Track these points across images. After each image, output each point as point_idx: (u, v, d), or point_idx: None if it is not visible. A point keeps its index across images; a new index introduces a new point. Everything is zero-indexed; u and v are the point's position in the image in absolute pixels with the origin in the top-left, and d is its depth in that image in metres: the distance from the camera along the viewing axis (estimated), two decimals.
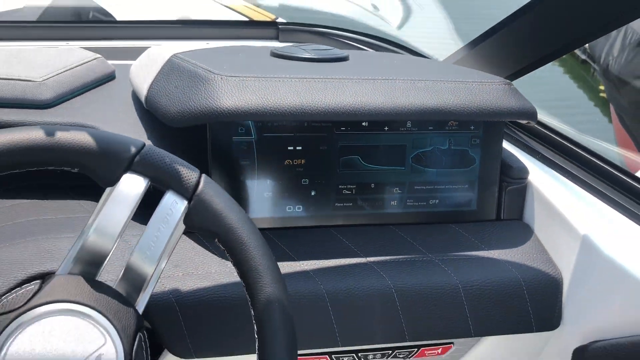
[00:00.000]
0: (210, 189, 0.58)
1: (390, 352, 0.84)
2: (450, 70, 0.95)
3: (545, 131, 1.00)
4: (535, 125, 1.00)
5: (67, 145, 0.54)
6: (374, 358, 0.85)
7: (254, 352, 0.56)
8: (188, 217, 0.57)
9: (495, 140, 0.88)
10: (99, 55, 1.01)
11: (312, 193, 0.84)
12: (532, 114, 0.83)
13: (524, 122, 0.87)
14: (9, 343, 0.50)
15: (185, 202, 0.57)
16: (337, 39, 1.45)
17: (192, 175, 0.58)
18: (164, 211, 0.57)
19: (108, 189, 0.57)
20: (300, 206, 0.84)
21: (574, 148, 0.94)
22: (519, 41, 0.95)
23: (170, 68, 0.82)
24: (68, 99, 0.90)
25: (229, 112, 0.72)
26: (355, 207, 0.86)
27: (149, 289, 0.57)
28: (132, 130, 0.83)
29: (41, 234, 0.73)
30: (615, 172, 0.87)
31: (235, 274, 0.58)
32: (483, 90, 0.81)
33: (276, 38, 1.49)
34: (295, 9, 2.57)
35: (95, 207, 0.57)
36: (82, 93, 0.93)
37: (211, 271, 0.74)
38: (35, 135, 0.54)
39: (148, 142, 0.61)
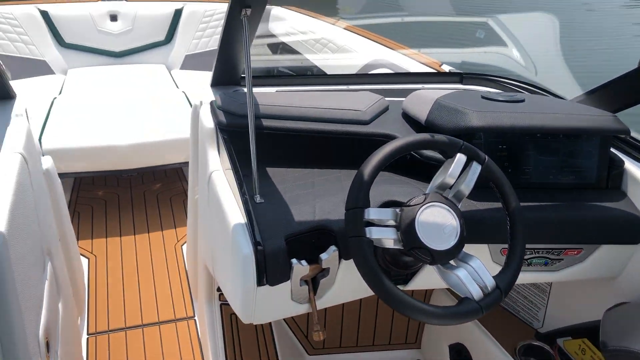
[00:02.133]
0: (490, 162, 1.24)
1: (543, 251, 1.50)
2: (579, 107, 1.56)
3: (634, 141, 1.65)
4: (629, 138, 1.63)
5: (436, 140, 1.21)
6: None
7: None
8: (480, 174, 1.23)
9: (606, 145, 1.53)
10: (381, 97, 1.72)
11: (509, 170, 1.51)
12: (626, 131, 1.48)
13: (622, 135, 1.54)
14: (420, 211, 1.14)
15: (480, 166, 1.23)
16: (503, 83, 2.19)
17: (483, 155, 1.23)
18: (473, 170, 1.22)
19: (448, 160, 1.23)
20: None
21: None
22: (617, 92, 1.62)
23: (439, 105, 1.52)
24: (375, 120, 1.60)
25: (479, 128, 1.42)
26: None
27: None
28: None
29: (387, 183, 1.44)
30: None
31: None
32: (599, 119, 1.49)
33: (460, 82, 2.28)
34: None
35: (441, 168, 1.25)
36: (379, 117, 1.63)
37: None
38: (422, 137, 1.20)
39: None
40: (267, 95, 1.66)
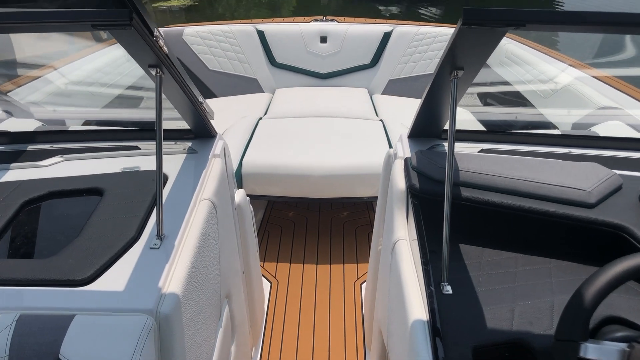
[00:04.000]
0: None
1: None
2: None
3: None
4: None
5: None
6: None
7: None
8: None
9: None
10: (613, 172, 1.41)
11: None
12: None
13: None
14: None
15: None
16: None
17: None
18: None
19: None
20: None
21: None
22: None
23: None
24: (602, 203, 1.31)
25: None
26: None
27: None
28: None
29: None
30: None
31: None
32: None
33: None
34: None
35: None
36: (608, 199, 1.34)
37: None
38: None
39: None
40: (469, 157, 1.45)
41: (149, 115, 2.98)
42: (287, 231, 3.14)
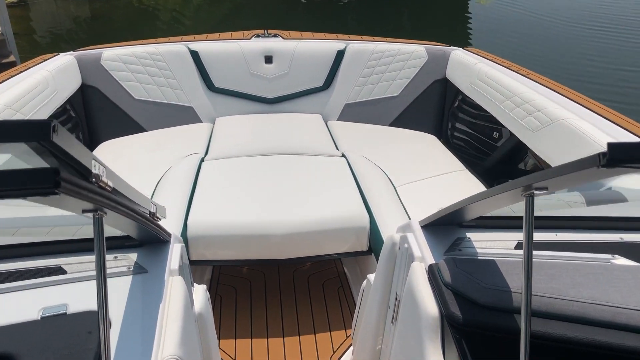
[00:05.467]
0: None
1: None
2: None
3: None
4: None
5: None
6: None
7: None
8: None
9: None
10: None
11: None
12: None
13: None
14: None
15: None
16: None
17: None
18: None
19: None
20: None
21: None
22: None
23: None
24: None
25: None
26: None
27: None
28: None
29: None
30: None
31: None
32: None
33: None
34: None
35: None
36: None
37: None
38: None
39: None
40: (511, 265, 1.02)
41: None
42: (243, 293, 2.61)
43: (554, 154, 2.34)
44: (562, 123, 2.29)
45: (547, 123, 2.38)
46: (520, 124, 2.58)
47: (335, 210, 2.34)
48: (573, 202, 1.37)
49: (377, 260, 2.18)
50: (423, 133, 3.38)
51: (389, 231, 2.25)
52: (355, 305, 2.58)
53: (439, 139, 3.37)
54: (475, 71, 3.03)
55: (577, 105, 2.37)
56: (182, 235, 2.23)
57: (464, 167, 2.90)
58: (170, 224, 2.22)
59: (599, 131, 2.14)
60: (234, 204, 2.35)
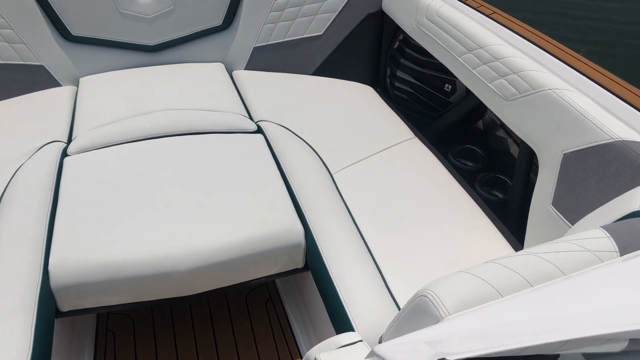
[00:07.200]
0: None
1: None
2: None
3: None
4: None
5: None
6: None
7: None
8: None
9: None
10: None
11: None
12: None
13: None
14: None
15: None
16: None
17: None
18: None
19: None
20: None
21: None
22: None
23: None
24: None
25: None
26: None
27: None
28: None
29: None
30: None
31: None
32: None
33: None
34: None
35: None
36: None
37: None
38: None
39: None
40: None
41: None
42: (143, 326, 1.97)
43: (530, 130, 1.75)
44: (548, 94, 1.68)
45: (527, 92, 1.76)
46: (487, 87, 1.95)
47: (259, 226, 1.70)
48: None
49: (314, 278, 1.68)
50: (355, 83, 2.67)
51: (329, 245, 1.68)
52: (291, 325, 2.06)
53: (375, 89, 2.70)
54: (421, 5, 2.30)
55: (572, 70, 1.74)
56: (42, 286, 1.51)
57: (412, 134, 2.28)
58: (20, 274, 1.51)
59: (595, 106, 1.56)
60: (116, 230, 1.64)
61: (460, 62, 2.07)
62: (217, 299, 2.13)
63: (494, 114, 2.11)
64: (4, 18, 2.32)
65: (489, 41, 1.95)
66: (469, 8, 2.16)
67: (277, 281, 2.21)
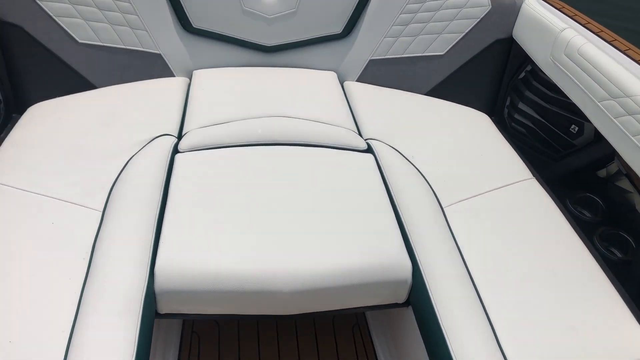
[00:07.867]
0: None
1: None
2: None
3: None
4: None
5: None
6: None
7: None
8: None
9: None
10: None
11: None
12: None
13: None
14: None
15: None
16: None
17: None
18: None
19: None
20: None
21: None
22: None
23: None
24: None
25: None
26: None
27: None
28: None
29: None
30: None
31: None
32: None
33: None
34: None
35: None
36: None
37: None
38: None
39: None
40: None
41: None
42: (228, 343, 1.94)
43: None
44: None
45: None
46: (628, 139, 1.78)
47: (367, 256, 1.62)
48: None
49: (417, 317, 1.59)
50: (470, 109, 2.54)
51: (439, 286, 1.59)
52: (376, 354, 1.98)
53: (490, 117, 2.55)
54: (561, 40, 2.14)
55: None
56: (147, 287, 1.50)
57: (530, 173, 2.13)
58: (127, 272, 1.50)
59: None
60: (224, 239, 1.61)
61: (600, 107, 1.91)
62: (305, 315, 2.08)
63: (625, 165, 1.93)
64: (130, 3, 2.34)
65: (637, 91, 1.78)
66: (615, 50, 1.98)
67: (367, 316, 2.13)
